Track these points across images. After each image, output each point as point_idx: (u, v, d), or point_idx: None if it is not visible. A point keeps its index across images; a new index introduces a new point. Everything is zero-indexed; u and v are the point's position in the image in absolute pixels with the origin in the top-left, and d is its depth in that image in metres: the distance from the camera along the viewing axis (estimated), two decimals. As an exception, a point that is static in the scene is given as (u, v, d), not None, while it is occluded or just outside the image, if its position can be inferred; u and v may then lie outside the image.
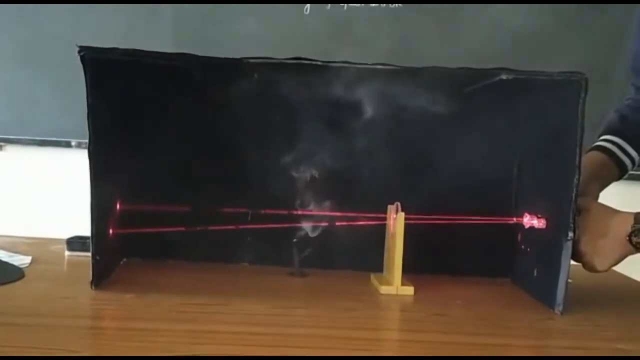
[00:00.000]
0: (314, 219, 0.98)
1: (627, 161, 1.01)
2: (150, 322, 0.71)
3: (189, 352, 0.61)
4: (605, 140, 1.02)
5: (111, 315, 0.75)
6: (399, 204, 0.91)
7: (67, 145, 1.86)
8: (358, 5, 1.82)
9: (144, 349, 0.62)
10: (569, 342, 0.74)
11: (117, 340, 0.66)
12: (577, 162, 0.80)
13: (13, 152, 1.91)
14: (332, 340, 0.69)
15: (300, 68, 0.83)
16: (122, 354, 0.60)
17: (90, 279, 0.81)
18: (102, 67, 0.80)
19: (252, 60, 0.81)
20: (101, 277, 0.84)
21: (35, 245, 1.07)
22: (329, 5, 1.82)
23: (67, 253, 1.02)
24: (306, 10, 1.82)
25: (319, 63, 0.81)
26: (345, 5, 1.82)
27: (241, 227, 1.01)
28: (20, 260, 0.94)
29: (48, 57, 1.83)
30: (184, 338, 0.65)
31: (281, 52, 0.84)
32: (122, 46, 0.79)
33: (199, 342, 0.65)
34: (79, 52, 0.76)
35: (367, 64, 0.83)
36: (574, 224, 0.81)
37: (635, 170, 1.07)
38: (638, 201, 0.93)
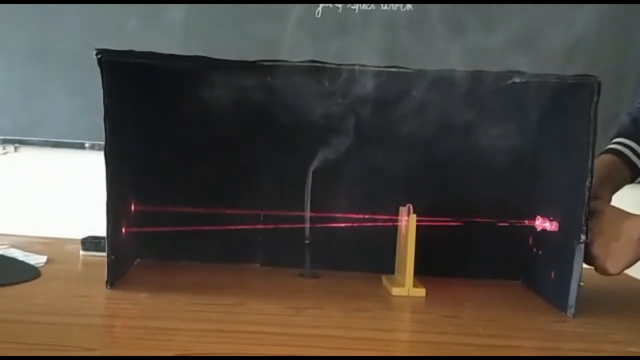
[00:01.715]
0: (325, 220, 0.99)
1: (640, 164, 1.01)
2: (164, 321, 0.72)
3: (202, 350, 0.62)
4: (618, 143, 1.02)
5: (126, 314, 0.76)
6: (410, 205, 0.92)
7: (81, 146, 1.87)
8: (369, 7, 1.82)
9: (158, 347, 0.62)
10: (581, 345, 0.74)
11: (132, 338, 0.66)
12: (589, 165, 0.80)
13: (27, 153, 1.93)
14: (344, 340, 0.69)
15: (314, 70, 0.84)
16: (137, 351, 0.61)
17: (106, 278, 0.82)
18: (118, 69, 0.81)
19: (265, 63, 0.82)
20: (116, 276, 0.85)
21: (50, 245, 1.08)
22: (340, 7, 1.83)
23: (81, 253, 1.04)
24: (317, 13, 1.83)
25: (332, 66, 0.82)
26: (357, 7, 1.82)
27: (253, 228, 1.01)
28: (36, 259, 0.96)
29: (62, 58, 1.84)
30: (197, 337, 0.66)
31: (293, 54, 0.85)
32: (134, 47, 0.80)
33: (212, 341, 0.65)
34: (97, 54, 0.78)
35: (379, 66, 0.83)
36: (586, 227, 0.81)
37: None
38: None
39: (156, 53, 0.80)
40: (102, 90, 0.79)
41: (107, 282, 0.82)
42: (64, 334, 0.65)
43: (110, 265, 0.82)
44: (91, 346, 0.62)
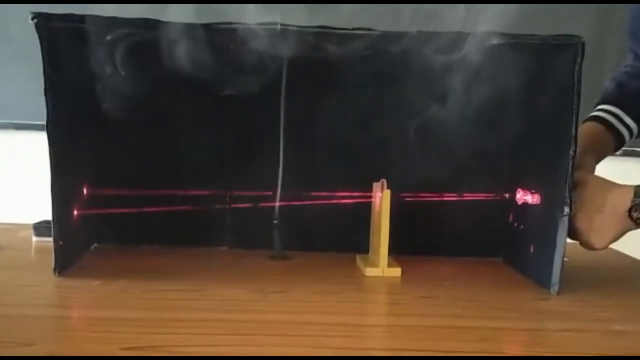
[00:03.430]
0: (296, 198, 0.93)
1: (625, 132, 0.96)
2: (114, 310, 0.66)
3: (150, 342, 0.56)
4: (602, 110, 0.97)
5: (74, 304, 0.70)
6: (384, 181, 0.86)
7: (42, 128, 1.79)
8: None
9: (101, 340, 0.56)
10: (565, 324, 0.69)
11: (75, 330, 0.61)
12: (573, 133, 0.75)
13: (-13, 136, 1.85)
14: (310, 326, 0.64)
15: (281, 34, 0.77)
16: (76, 345, 0.55)
17: (53, 265, 0.76)
18: (61, 37, 0.74)
19: (222, 26, 0.75)
20: (66, 263, 0.78)
21: (3, 232, 1.01)
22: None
23: (34, 239, 0.97)
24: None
25: (293, 28, 0.75)
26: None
27: (220, 208, 0.95)
28: (-16, 246, 0.89)
29: (23, 39, 1.76)
30: (148, 327, 0.60)
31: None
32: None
33: (163, 332, 0.59)
34: (32, 18, 0.70)
35: (348, 29, 0.77)
36: (569, 198, 0.76)
37: (630, 146, 1.02)
38: (633, 177, 0.88)
39: (98, 16, 0.73)
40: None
41: (54, 269, 0.76)
42: (1, 326, 0.59)
43: (58, 251, 0.76)
44: (29, 340, 0.56)
